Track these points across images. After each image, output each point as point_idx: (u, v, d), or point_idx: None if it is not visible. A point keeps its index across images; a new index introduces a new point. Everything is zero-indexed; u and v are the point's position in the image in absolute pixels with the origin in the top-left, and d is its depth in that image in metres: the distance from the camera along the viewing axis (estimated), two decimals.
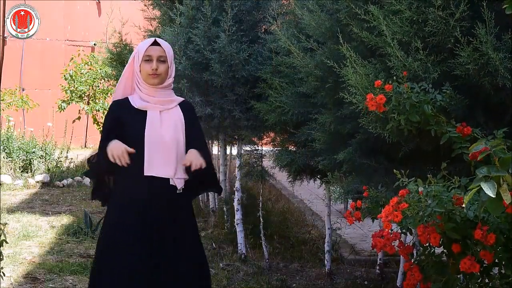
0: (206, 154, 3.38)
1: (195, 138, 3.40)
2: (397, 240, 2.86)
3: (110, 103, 11.94)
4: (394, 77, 3.17)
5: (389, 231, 2.82)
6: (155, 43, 3.38)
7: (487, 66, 3.07)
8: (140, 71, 3.37)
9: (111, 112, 3.44)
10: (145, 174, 3.30)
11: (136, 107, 3.36)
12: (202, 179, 3.46)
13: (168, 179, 3.33)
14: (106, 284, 3.36)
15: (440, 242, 2.73)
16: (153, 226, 3.32)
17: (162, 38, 5.83)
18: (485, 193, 2.34)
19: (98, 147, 3.43)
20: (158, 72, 3.34)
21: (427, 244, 2.84)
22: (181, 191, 3.35)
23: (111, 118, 3.41)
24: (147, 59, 3.35)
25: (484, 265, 2.72)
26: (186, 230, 3.43)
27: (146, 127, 3.31)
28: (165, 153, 3.31)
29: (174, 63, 3.50)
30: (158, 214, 3.33)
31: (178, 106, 3.43)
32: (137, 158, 3.29)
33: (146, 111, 3.35)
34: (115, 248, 3.35)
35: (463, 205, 2.61)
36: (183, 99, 3.50)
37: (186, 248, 3.40)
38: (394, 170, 2.92)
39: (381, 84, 3.12)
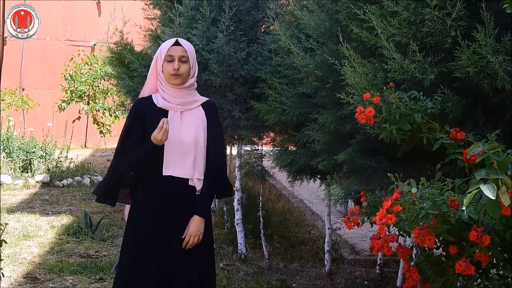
0: (220, 170, 3.42)
1: (213, 150, 3.39)
2: (395, 242, 2.86)
3: (108, 103, 11.78)
4: (385, 87, 3.17)
5: (387, 233, 2.82)
6: (177, 43, 3.37)
7: (486, 68, 3.07)
8: (162, 71, 3.36)
9: (134, 110, 3.42)
10: (163, 174, 3.31)
11: (158, 106, 3.36)
12: (216, 188, 3.47)
13: (187, 180, 3.33)
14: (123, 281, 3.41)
15: (438, 243, 2.73)
16: (171, 227, 3.33)
17: (162, 38, 5.86)
18: (484, 196, 2.34)
19: (117, 145, 3.42)
20: (180, 72, 3.32)
21: (426, 246, 2.84)
22: (200, 192, 3.35)
23: (134, 116, 3.39)
24: (169, 59, 3.33)
25: (483, 266, 2.72)
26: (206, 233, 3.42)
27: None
28: (183, 153, 3.31)
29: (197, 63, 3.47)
30: (176, 215, 3.34)
31: (200, 106, 3.41)
32: (157, 158, 3.31)
33: (167, 111, 3.35)
34: (135, 249, 3.38)
35: (458, 207, 2.61)
36: (206, 99, 3.48)
37: (198, 253, 3.38)
38: (388, 174, 2.92)
39: (369, 96, 3.13)
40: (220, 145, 3.47)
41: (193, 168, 3.33)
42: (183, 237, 3.31)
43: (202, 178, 3.36)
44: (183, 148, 3.31)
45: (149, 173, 3.35)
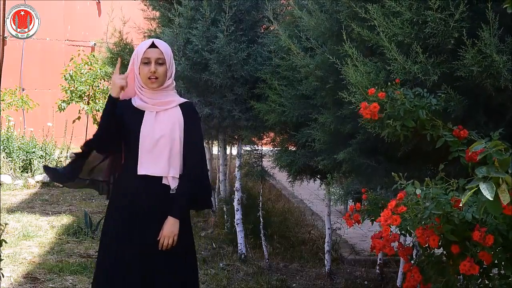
0: (196, 172, 3.38)
1: (189, 151, 3.37)
2: (396, 242, 2.85)
3: None
4: (389, 83, 3.17)
5: (388, 232, 2.81)
6: (153, 45, 3.36)
7: (490, 68, 3.07)
8: (139, 73, 3.36)
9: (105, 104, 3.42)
10: (138, 173, 3.31)
11: (135, 106, 3.37)
12: (195, 195, 3.40)
13: (161, 178, 3.33)
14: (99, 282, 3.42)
15: (440, 243, 2.72)
16: (146, 225, 3.32)
17: (161, 39, 5.87)
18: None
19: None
20: (157, 74, 3.32)
21: (427, 245, 2.84)
22: (175, 191, 3.34)
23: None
24: (146, 61, 3.33)
25: (484, 266, 2.72)
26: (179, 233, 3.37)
27: (141, 126, 3.32)
28: (158, 152, 3.31)
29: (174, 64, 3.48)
30: (151, 214, 3.33)
31: (178, 106, 3.40)
32: (133, 157, 3.32)
33: (144, 111, 3.36)
34: (110, 248, 3.38)
35: (462, 208, 2.61)
36: (185, 100, 3.47)
37: (176, 254, 3.36)
38: (392, 173, 2.92)
39: (374, 92, 3.12)
40: (197, 147, 3.43)
41: (168, 166, 3.32)
42: (158, 238, 3.30)
43: (178, 177, 3.34)
44: (157, 147, 3.31)
45: (126, 173, 3.38)
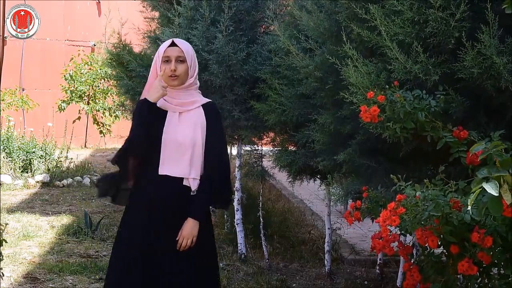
0: (219, 173, 3.38)
1: (210, 151, 3.36)
2: (396, 242, 2.86)
3: (108, 103, 11.77)
4: (387, 86, 3.17)
5: (388, 233, 2.82)
6: (173, 44, 3.37)
7: (491, 69, 3.07)
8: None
9: (140, 107, 3.38)
10: (159, 173, 3.31)
11: (158, 105, 3.36)
12: (215, 195, 3.41)
13: (183, 179, 3.33)
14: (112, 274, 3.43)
15: (439, 242, 2.73)
16: (164, 226, 3.32)
17: (161, 39, 5.87)
18: (486, 194, 2.34)
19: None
20: (177, 73, 3.31)
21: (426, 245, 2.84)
22: (195, 193, 3.34)
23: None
24: (166, 60, 3.34)
25: (484, 265, 2.72)
26: (199, 235, 3.37)
27: (164, 127, 3.32)
28: (180, 153, 3.31)
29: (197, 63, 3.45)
30: (168, 214, 3.32)
31: (200, 107, 3.39)
32: (154, 157, 3.32)
33: (167, 111, 3.35)
34: (128, 248, 3.38)
35: (461, 209, 2.61)
36: (208, 100, 3.45)
37: (190, 255, 3.36)
38: (391, 175, 2.92)
39: (373, 95, 3.13)
40: (217, 148, 3.41)
41: (190, 167, 3.32)
42: (177, 239, 3.30)
43: (198, 178, 3.34)
44: (180, 148, 3.31)
45: (145, 173, 3.36)
